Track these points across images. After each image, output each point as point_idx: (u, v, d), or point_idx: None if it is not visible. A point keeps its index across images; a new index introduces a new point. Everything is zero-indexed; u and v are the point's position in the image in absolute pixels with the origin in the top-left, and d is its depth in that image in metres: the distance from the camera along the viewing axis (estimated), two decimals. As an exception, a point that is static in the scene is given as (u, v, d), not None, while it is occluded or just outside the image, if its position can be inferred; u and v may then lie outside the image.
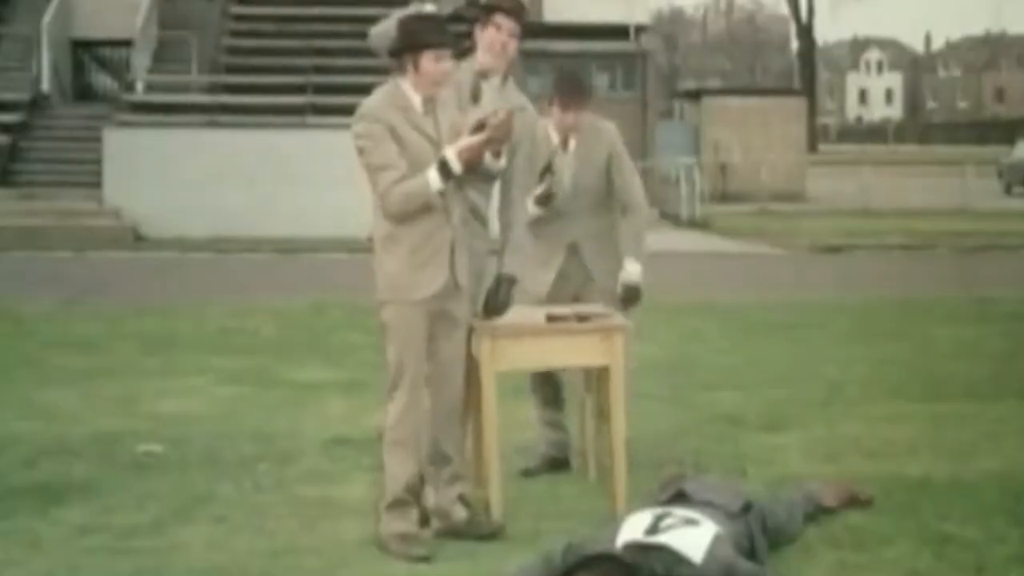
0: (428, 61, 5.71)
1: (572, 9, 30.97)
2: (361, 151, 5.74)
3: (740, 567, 4.90)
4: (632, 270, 6.89)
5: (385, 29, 6.21)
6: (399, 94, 5.77)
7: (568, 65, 31.34)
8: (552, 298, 6.82)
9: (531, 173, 6.38)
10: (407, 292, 5.73)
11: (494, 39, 6.18)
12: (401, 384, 5.77)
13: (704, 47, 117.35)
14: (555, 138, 6.88)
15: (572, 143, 6.88)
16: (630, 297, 6.91)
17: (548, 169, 6.75)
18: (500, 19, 6.19)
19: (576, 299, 6.83)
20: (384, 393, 5.86)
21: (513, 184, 6.21)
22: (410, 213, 5.70)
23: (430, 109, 5.79)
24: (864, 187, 33.01)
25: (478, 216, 6.17)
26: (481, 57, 6.22)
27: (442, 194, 5.67)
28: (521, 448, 7.21)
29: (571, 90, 6.85)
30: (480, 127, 5.74)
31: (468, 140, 5.72)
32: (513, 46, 6.23)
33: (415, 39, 5.73)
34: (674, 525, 5.00)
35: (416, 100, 5.76)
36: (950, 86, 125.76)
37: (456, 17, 6.43)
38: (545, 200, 6.76)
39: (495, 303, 6.10)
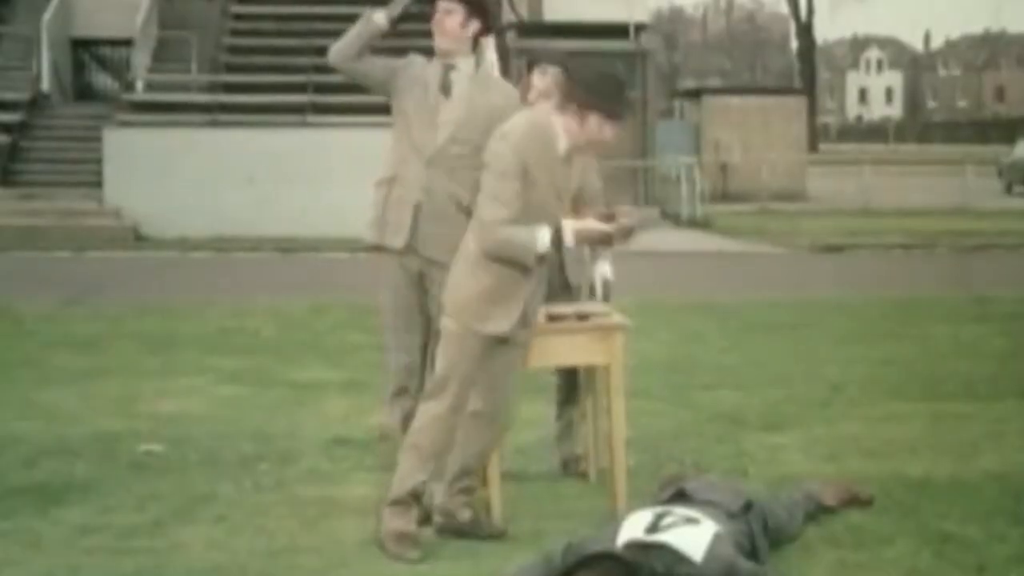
0: (596, 122, 5.58)
1: (572, 8, 30.94)
2: (487, 167, 5.62)
3: (740, 566, 4.90)
4: (606, 267, 6.87)
5: (346, 43, 6.15)
6: (549, 133, 5.61)
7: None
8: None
9: None
10: (475, 323, 5.65)
11: (438, 22, 6.14)
12: (441, 396, 5.72)
13: (704, 46, 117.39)
14: None
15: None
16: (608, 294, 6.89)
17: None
18: (442, 3, 6.12)
19: (550, 295, 6.72)
20: (424, 394, 5.83)
21: None
22: (500, 256, 5.59)
23: (569, 161, 5.68)
24: (864, 186, 33.01)
25: (462, 209, 6.02)
26: (435, 44, 6.18)
27: (540, 258, 5.58)
28: (521, 448, 7.21)
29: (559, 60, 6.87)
30: (609, 217, 5.66)
31: (591, 226, 5.63)
32: (450, 23, 6.12)
33: (594, 99, 5.57)
34: (674, 524, 5.00)
35: (562, 146, 5.62)
36: (950, 85, 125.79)
37: (409, 16, 6.30)
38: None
39: None
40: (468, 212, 6.04)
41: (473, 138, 6.01)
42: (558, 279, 6.77)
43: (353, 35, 6.10)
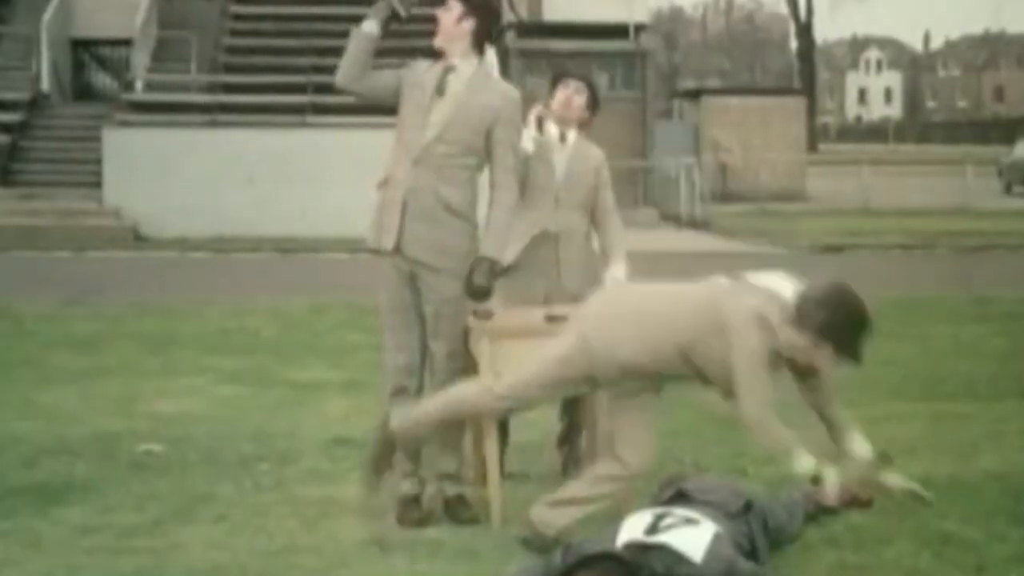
0: (826, 356, 5.28)
1: (572, 8, 30.94)
2: (748, 352, 5.23)
3: (740, 566, 4.89)
4: (619, 271, 6.77)
5: (347, 63, 6.14)
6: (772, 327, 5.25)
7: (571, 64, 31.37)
8: (523, 287, 6.73)
9: (515, 156, 6.24)
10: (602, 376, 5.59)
11: (438, 18, 6.15)
12: (502, 398, 5.71)
13: (704, 46, 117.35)
14: (553, 131, 6.85)
15: (570, 140, 6.87)
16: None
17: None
18: (450, 2, 6.15)
19: (547, 300, 6.74)
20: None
21: (497, 166, 6.15)
22: (754, 438, 5.43)
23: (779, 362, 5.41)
24: (864, 186, 33.02)
25: (450, 210, 6.07)
26: (435, 42, 6.20)
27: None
28: (522, 448, 7.21)
29: (586, 77, 6.91)
30: (881, 463, 5.47)
31: (852, 487, 5.53)
32: (446, 20, 6.11)
33: (841, 340, 5.22)
34: (674, 524, 4.99)
35: (781, 348, 5.26)
36: (949, 85, 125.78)
37: (413, 18, 6.37)
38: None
39: (473, 286, 6.01)
40: (456, 213, 6.06)
41: (463, 137, 6.04)
42: (555, 285, 6.77)
43: (350, 53, 6.11)
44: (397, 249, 6.05)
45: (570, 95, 6.84)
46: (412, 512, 6.10)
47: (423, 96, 6.07)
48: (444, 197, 6.03)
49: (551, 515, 5.67)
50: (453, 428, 6.12)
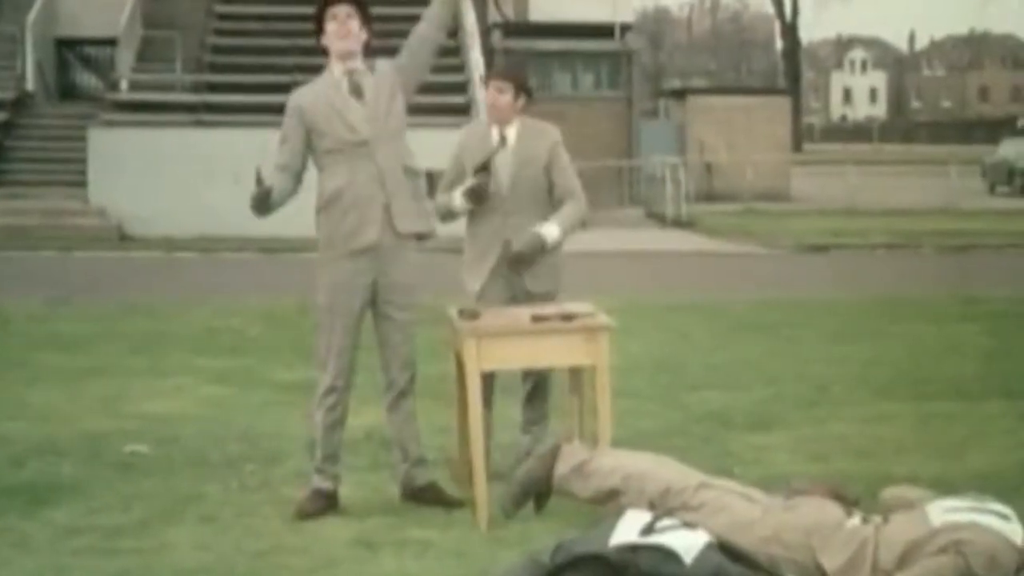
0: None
1: (557, 8, 30.98)
2: None
3: (730, 571, 4.88)
4: (550, 230, 6.65)
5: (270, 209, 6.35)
6: None
7: (550, 63, 31.39)
8: (486, 297, 6.78)
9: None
10: None
11: (341, 25, 6.27)
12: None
13: (689, 46, 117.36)
14: (495, 136, 6.84)
15: (511, 140, 6.83)
16: (528, 251, 6.62)
17: (484, 167, 6.65)
18: (340, 7, 6.26)
19: (512, 303, 6.78)
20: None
21: (410, 154, 6.44)
22: None
23: None
24: (849, 186, 33.08)
25: (413, 197, 6.41)
26: (340, 48, 6.32)
27: None
28: (508, 448, 7.20)
29: (509, 70, 6.95)
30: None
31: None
32: (353, 26, 6.28)
33: None
34: (671, 528, 4.98)
35: None
36: (934, 85, 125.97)
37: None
38: (475, 196, 6.66)
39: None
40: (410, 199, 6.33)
41: (395, 127, 6.32)
42: (519, 285, 6.79)
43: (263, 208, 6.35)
44: (383, 236, 6.25)
45: (494, 97, 6.82)
46: (318, 504, 6.23)
47: (332, 103, 6.26)
48: (403, 183, 6.29)
49: None
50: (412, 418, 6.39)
